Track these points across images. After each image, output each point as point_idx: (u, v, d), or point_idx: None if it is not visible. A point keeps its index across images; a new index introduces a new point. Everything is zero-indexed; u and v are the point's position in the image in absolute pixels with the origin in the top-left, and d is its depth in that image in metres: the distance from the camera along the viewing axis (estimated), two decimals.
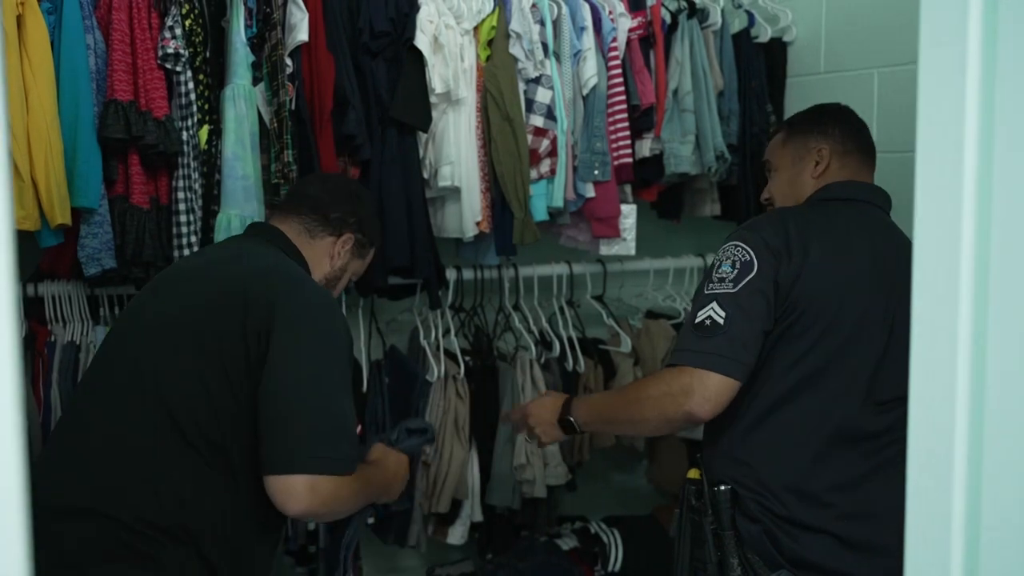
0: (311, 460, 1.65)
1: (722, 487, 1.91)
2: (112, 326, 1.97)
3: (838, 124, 2.14)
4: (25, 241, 2.41)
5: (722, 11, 3.10)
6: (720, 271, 1.91)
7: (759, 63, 3.21)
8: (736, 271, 1.89)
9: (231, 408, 1.72)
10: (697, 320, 1.89)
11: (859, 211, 2.04)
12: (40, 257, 2.60)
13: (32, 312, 2.64)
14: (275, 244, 1.99)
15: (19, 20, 2.24)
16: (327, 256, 2.06)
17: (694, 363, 1.86)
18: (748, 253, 1.89)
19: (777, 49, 3.27)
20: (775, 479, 1.88)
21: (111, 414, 1.76)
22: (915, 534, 1.02)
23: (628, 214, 2.96)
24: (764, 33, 3.22)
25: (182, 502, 1.69)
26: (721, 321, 1.85)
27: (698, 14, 3.03)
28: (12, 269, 0.69)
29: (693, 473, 2.03)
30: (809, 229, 1.93)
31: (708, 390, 1.85)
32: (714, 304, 1.88)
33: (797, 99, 3.27)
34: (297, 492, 1.65)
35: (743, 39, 3.17)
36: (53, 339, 2.61)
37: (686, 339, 1.91)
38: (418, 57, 2.60)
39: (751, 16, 3.21)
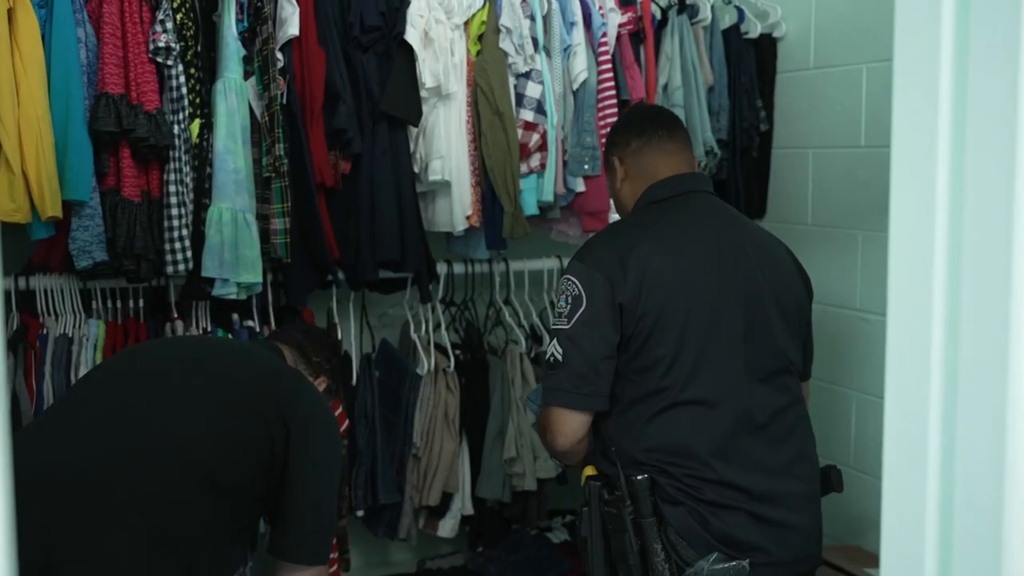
0: (318, 554, 1.94)
1: (638, 476, 1.95)
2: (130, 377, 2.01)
3: (622, 128, 2.22)
4: (16, 234, 2.42)
5: (712, 7, 3.11)
6: (558, 307, 2.02)
7: (749, 59, 3.22)
8: (569, 306, 1.98)
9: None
10: (546, 357, 2.06)
11: (686, 203, 2.10)
12: (32, 250, 2.61)
13: (24, 305, 2.65)
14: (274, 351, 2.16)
15: (10, 13, 2.25)
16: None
17: (546, 400, 2.03)
18: (576, 287, 1.98)
19: (767, 45, 3.28)
20: (682, 469, 1.95)
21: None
22: (891, 522, 1.03)
23: None
24: (754, 29, 3.24)
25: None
26: (560, 357, 1.98)
27: (688, 10, 3.05)
28: None
29: (590, 470, 2.09)
30: (639, 239, 2.00)
31: (558, 425, 2.00)
32: (555, 341, 2.01)
33: (787, 94, 3.29)
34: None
35: (733, 35, 3.19)
36: (45, 332, 2.61)
37: (544, 376, 2.09)
38: (408, 51, 2.61)
39: (741, 12, 3.23)
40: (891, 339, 1.00)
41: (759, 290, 2.03)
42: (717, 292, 2.00)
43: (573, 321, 1.97)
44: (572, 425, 2.00)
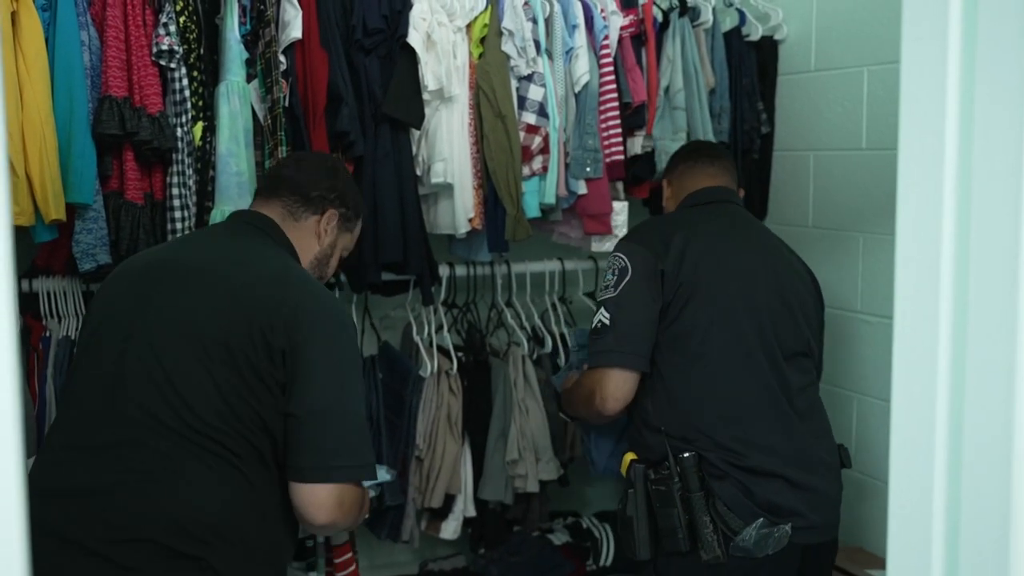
0: (341, 470, 1.73)
1: (686, 454, 2.15)
2: (106, 316, 1.88)
3: (674, 156, 2.63)
4: (20, 237, 2.42)
5: (713, 9, 3.12)
6: (605, 280, 2.31)
7: (750, 61, 3.23)
8: (615, 277, 2.27)
9: (249, 414, 1.74)
10: (592, 326, 2.30)
11: (718, 208, 2.43)
12: (35, 253, 2.61)
13: (27, 308, 2.65)
14: (267, 233, 1.97)
15: (13, 17, 2.26)
16: (314, 236, 2.03)
17: (593, 363, 2.27)
18: (623, 260, 2.27)
19: (768, 47, 3.29)
20: (723, 435, 2.17)
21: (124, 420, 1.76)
22: (898, 527, 1.03)
23: (620, 211, 2.97)
24: (755, 31, 3.24)
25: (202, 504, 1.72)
26: (608, 322, 2.24)
27: (690, 12, 3.05)
28: (10, 264, 0.70)
29: (631, 455, 2.29)
30: (679, 226, 2.32)
31: (608, 388, 2.24)
32: (602, 309, 2.27)
33: (788, 97, 3.29)
34: (325, 502, 1.72)
35: (734, 37, 3.19)
36: (48, 334, 2.62)
37: (589, 344, 2.31)
38: (411, 54, 2.62)
39: (742, 14, 3.23)
40: (898, 344, 1.01)
41: (782, 281, 2.32)
42: (750, 274, 2.28)
43: (619, 289, 2.24)
44: (621, 386, 2.23)
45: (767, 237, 2.46)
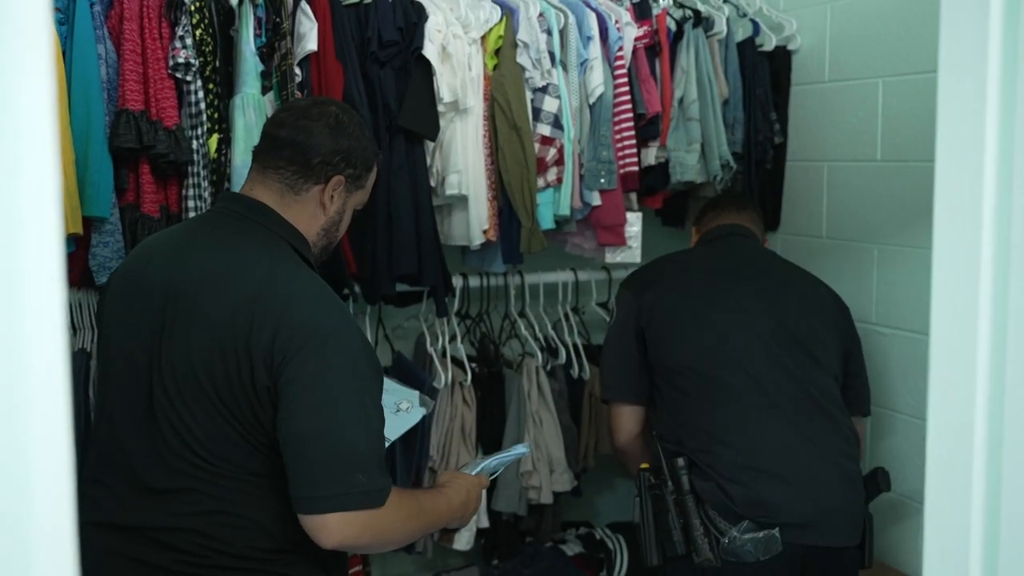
0: (327, 500, 1.60)
1: (678, 459, 2.32)
2: (120, 351, 1.79)
3: (704, 205, 2.88)
4: None
5: (727, 20, 3.12)
6: (611, 317, 2.65)
7: (764, 71, 3.23)
8: (611, 319, 2.65)
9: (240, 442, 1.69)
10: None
11: (727, 241, 2.68)
12: None
13: None
14: (257, 224, 1.79)
15: None
16: (318, 207, 1.85)
17: (603, 399, 2.67)
18: (616, 301, 2.64)
19: (782, 58, 3.28)
20: (704, 438, 2.34)
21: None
22: (935, 532, 1.02)
23: (633, 222, 2.97)
24: (769, 42, 3.24)
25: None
26: (604, 361, 2.61)
27: (703, 23, 3.05)
28: (61, 275, 0.70)
29: (644, 465, 2.45)
30: (672, 261, 2.68)
31: (613, 421, 2.59)
32: (605, 345, 2.63)
33: (801, 107, 3.29)
34: (324, 528, 1.61)
35: (748, 48, 3.19)
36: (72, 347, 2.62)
37: None
38: (426, 66, 2.61)
39: (756, 25, 3.23)
40: (934, 360, 1.00)
41: (782, 305, 2.47)
42: (740, 299, 2.47)
43: (610, 330, 2.60)
44: (621, 417, 2.55)
45: (772, 264, 2.65)
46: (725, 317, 2.44)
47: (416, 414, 2.02)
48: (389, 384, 2.13)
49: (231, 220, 1.81)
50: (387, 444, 1.94)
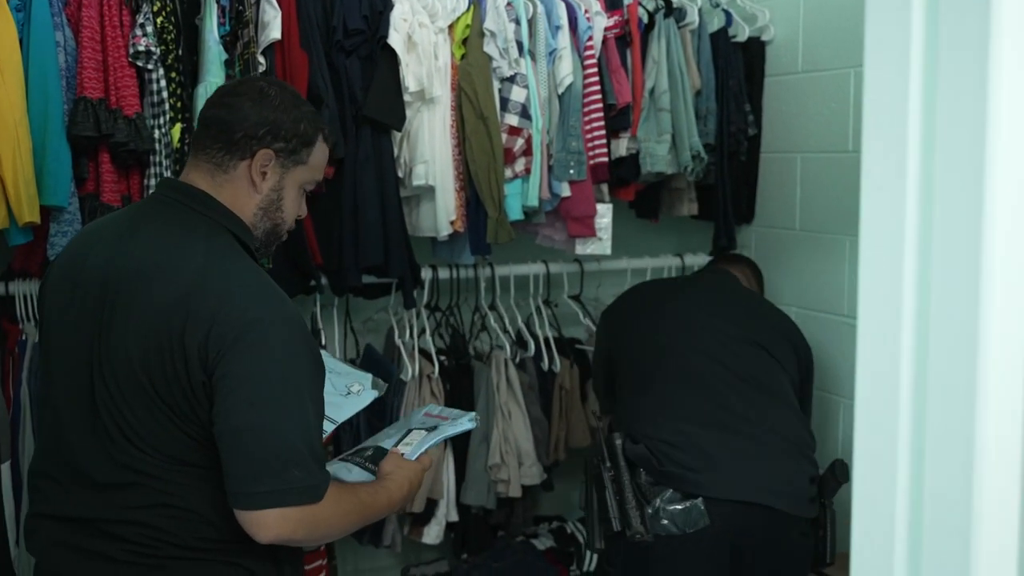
0: (262, 495, 1.56)
1: (614, 435, 2.40)
2: (54, 332, 1.74)
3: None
4: None
5: (700, 10, 3.09)
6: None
7: (737, 62, 3.20)
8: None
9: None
10: None
11: (709, 275, 2.93)
12: (11, 256, 2.59)
13: (2, 311, 2.62)
14: (190, 209, 1.72)
15: None
16: (248, 185, 1.74)
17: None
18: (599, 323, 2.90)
19: (755, 48, 3.26)
20: (641, 415, 2.46)
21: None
22: (862, 537, 1.02)
23: (604, 213, 2.95)
24: (742, 32, 3.22)
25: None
26: (595, 379, 2.91)
27: (675, 13, 3.02)
28: None
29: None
30: (648, 285, 2.93)
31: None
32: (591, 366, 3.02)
33: (775, 98, 3.27)
34: (259, 523, 1.57)
35: (721, 38, 3.17)
36: (24, 338, 2.59)
37: None
38: (392, 55, 2.59)
39: (729, 15, 3.21)
40: (861, 353, 0.99)
41: (725, 311, 2.63)
42: (682, 305, 2.66)
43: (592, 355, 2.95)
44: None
45: (739, 292, 2.79)
46: (672, 316, 2.62)
47: (367, 396, 1.98)
48: (340, 367, 2.09)
49: (169, 208, 1.75)
50: (335, 426, 1.91)
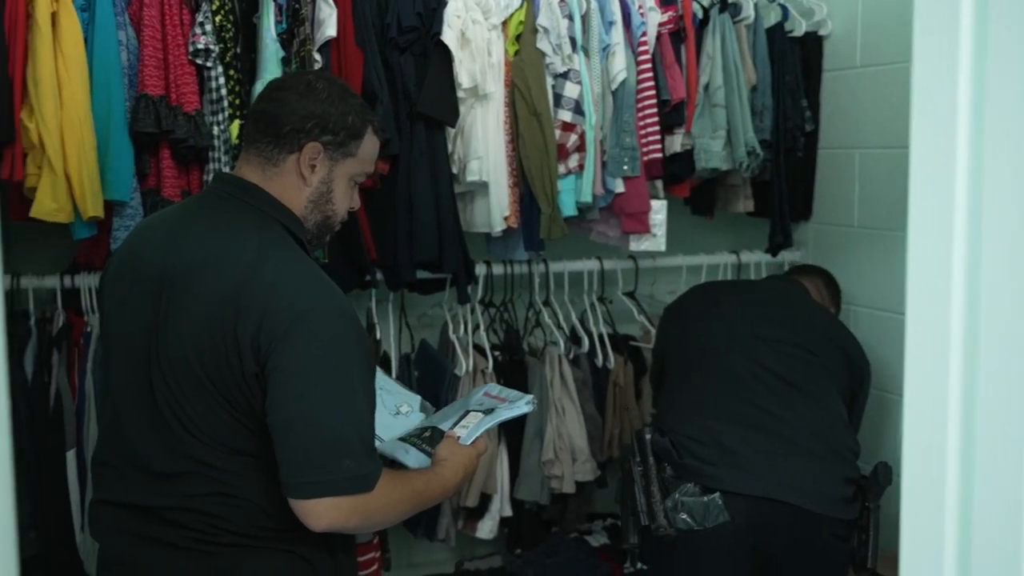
0: (310, 486, 1.59)
1: (644, 429, 2.43)
2: (119, 338, 1.77)
3: None
4: (61, 234, 2.46)
5: (755, 5, 3.07)
6: None
7: (794, 57, 3.17)
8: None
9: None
10: None
11: (772, 281, 2.95)
12: (77, 249, 2.65)
13: (69, 303, 2.69)
14: (243, 203, 1.75)
15: (54, 17, 2.30)
16: (298, 178, 1.75)
17: None
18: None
19: (812, 43, 3.23)
20: (672, 410, 2.50)
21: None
22: (911, 529, 1.01)
23: (658, 210, 2.94)
24: (799, 27, 3.19)
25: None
26: (653, 377, 2.86)
27: (730, 8, 3.00)
28: None
29: None
30: (705, 286, 2.90)
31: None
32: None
33: (833, 93, 3.23)
34: (311, 513, 1.60)
35: (777, 33, 3.14)
36: (89, 329, 2.66)
37: None
38: (445, 52, 2.61)
39: (785, 10, 3.18)
40: (909, 349, 0.98)
41: (752, 329, 2.56)
42: (729, 306, 2.66)
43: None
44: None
45: (797, 298, 2.73)
46: (720, 317, 2.61)
47: (415, 418, 1.99)
48: (391, 385, 2.10)
49: (222, 202, 1.77)
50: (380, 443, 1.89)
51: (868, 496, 2.36)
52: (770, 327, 2.54)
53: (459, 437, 1.89)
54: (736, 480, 2.28)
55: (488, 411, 1.96)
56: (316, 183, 1.76)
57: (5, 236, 2.52)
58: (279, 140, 1.73)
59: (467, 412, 1.97)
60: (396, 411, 1.98)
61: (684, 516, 2.28)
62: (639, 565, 2.77)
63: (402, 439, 1.92)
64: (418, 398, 2.03)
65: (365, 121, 1.80)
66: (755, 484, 2.27)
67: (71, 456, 2.59)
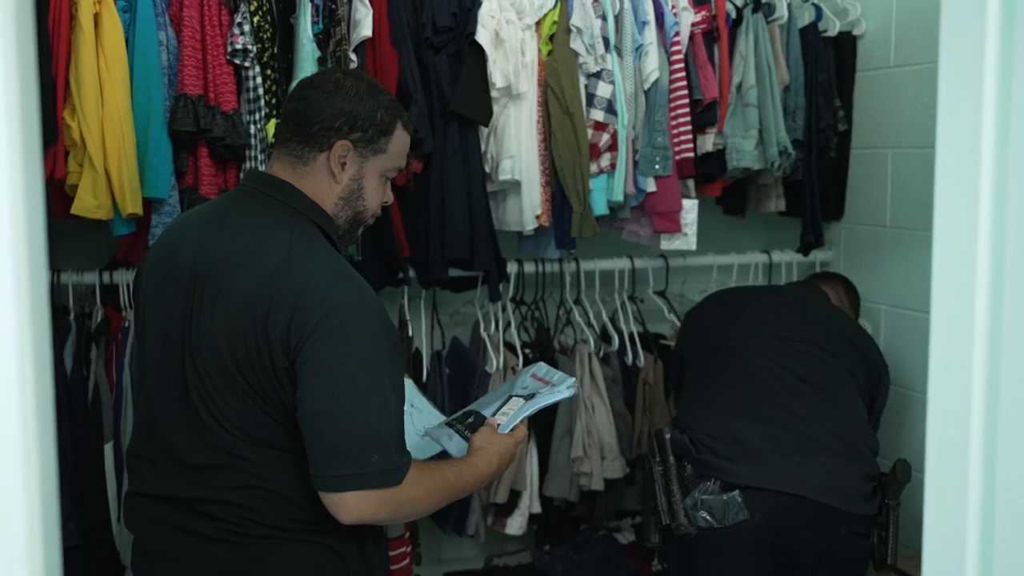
0: (340, 479, 1.61)
1: (663, 428, 2.44)
2: (155, 331, 1.79)
3: None
4: (101, 230, 2.51)
5: (789, 5, 3.07)
6: None
7: (827, 57, 3.17)
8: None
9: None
10: None
11: (793, 286, 2.99)
12: (115, 246, 2.71)
13: (108, 299, 2.74)
14: (275, 199, 1.77)
15: (96, 18, 2.34)
16: (328, 176, 1.77)
17: None
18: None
19: (846, 43, 3.22)
20: (692, 408, 2.53)
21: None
22: (933, 524, 1.02)
23: (690, 209, 2.95)
24: (832, 27, 3.18)
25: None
26: (674, 380, 2.90)
27: (764, 8, 3.00)
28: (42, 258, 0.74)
29: None
30: (727, 291, 2.89)
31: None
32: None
33: (867, 93, 3.22)
34: (341, 505, 1.63)
35: (810, 33, 3.13)
36: (127, 324, 2.71)
37: None
38: (479, 52, 2.63)
39: (819, 9, 3.17)
40: (934, 346, 0.99)
41: (771, 330, 2.58)
42: (751, 310, 2.67)
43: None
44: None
45: (817, 303, 2.74)
46: (740, 320, 2.63)
47: (436, 447, 2.01)
48: (423, 403, 2.10)
49: (255, 199, 1.79)
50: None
51: (887, 493, 2.36)
52: (790, 328, 2.56)
53: (498, 424, 1.89)
54: (755, 475, 2.29)
55: (530, 396, 1.95)
56: (347, 180, 1.78)
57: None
58: (309, 139, 1.75)
59: (510, 397, 1.97)
60: (424, 433, 1.99)
61: (704, 514, 2.30)
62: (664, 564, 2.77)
63: (449, 423, 1.94)
64: (445, 430, 2.00)
65: (394, 116, 1.81)
66: (774, 479, 2.28)
67: (109, 449, 2.64)
